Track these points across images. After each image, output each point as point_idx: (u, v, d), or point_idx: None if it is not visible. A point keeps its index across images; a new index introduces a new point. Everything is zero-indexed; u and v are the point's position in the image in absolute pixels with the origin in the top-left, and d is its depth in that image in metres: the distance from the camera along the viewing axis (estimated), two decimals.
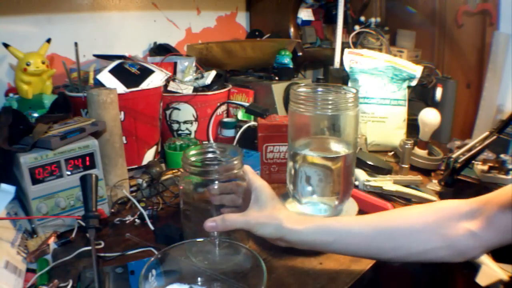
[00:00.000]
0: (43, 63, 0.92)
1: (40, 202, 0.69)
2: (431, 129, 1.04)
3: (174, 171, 0.95)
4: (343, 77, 1.23)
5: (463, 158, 0.88)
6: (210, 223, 0.59)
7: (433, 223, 0.54)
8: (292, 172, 0.73)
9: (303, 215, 0.65)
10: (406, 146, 0.97)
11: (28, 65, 0.90)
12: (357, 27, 1.45)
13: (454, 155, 0.91)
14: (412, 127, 1.16)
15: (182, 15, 1.38)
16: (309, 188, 0.72)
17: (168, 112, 1.09)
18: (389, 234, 0.55)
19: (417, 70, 1.16)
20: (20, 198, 0.74)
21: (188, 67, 1.13)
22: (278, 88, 1.14)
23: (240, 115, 1.13)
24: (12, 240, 0.63)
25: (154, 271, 0.49)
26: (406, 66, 1.16)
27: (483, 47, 1.33)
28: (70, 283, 0.58)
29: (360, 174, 0.92)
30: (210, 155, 0.69)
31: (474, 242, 0.52)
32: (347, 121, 0.69)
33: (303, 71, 1.61)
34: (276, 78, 1.21)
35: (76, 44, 0.93)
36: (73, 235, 0.71)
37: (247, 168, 0.65)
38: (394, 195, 0.86)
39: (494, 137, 0.86)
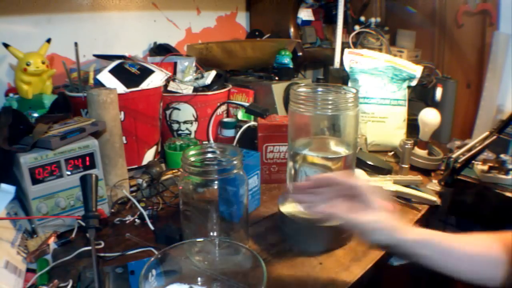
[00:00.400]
0: (43, 63, 0.92)
1: (40, 202, 0.69)
2: (431, 129, 1.04)
3: (174, 171, 0.95)
4: (343, 77, 1.23)
5: (463, 158, 0.88)
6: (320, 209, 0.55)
7: None
8: (292, 172, 0.73)
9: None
10: (406, 146, 0.97)
11: (28, 65, 0.90)
12: (357, 27, 1.45)
13: (454, 155, 0.91)
14: (412, 127, 1.16)
15: (182, 15, 1.38)
16: None
17: (168, 112, 1.09)
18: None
19: (417, 70, 1.16)
20: (20, 198, 0.74)
21: (188, 67, 1.13)
22: (278, 88, 1.14)
23: (240, 115, 1.13)
24: (12, 240, 0.63)
25: (154, 271, 0.49)
26: (406, 66, 1.16)
27: (483, 47, 1.33)
28: (70, 283, 0.58)
29: (360, 174, 0.92)
30: (210, 155, 0.69)
31: None
32: (347, 121, 0.69)
33: (303, 71, 1.60)
34: (276, 78, 1.21)
35: (76, 44, 0.93)
36: (73, 235, 0.71)
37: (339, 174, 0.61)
38: (394, 195, 0.86)
39: (494, 137, 0.86)
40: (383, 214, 0.54)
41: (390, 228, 0.53)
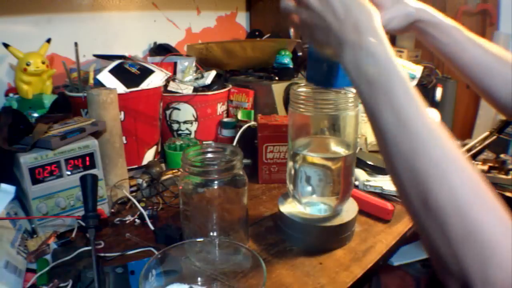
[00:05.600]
0: (43, 63, 0.92)
1: (40, 202, 0.69)
2: None
3: (174, 171, 0.95)
4: None
5: None
6: None
7: None
8: (292, 172, 0.73)
9: None
10: None
11: (28, 65, 0.90)
12: None
13: None
14: None
15: (182, 15, 1.38)
16: (309, 188, 0.72)
17: (168, 112, 1.09)
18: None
19: (417, 70, 1.16)
20: (20, 198, 0.74)
21: (188, 67, 1.13)
22: (278, 88, 1.14)
23: (240, 115, 1.13)
24: (12, 240, 0.63)
25: (154, 271, 0.49)
26: (406, 66, 1.16)
27: None
28: (70, 283, 0.58)
29: (360, 174, 0.92)
30: (210, 155, 0.69)
31: None
32: (347, 121, 0.69)
33: (303, 71, 1.60)
34: (276, 78, 1.21)
35: (76, 44, 0.93)
36: (73, 235, 0.71)
37: None
38: (394, 195, 0.86)
39: (494, 137, 0.87)
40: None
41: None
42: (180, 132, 1.11)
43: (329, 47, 0.46)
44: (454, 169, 0.36)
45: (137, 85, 0.95)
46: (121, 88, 0.91)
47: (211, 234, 0.66)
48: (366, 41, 0.41)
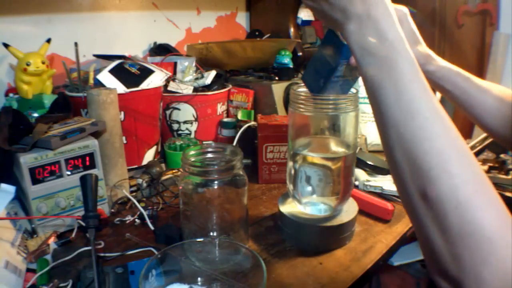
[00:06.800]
0: (43, 63, 0.92)
1: (40, 202, 0.69)
2: None
3: (174, 171, 0.95)
4: None
5: None
6: None
7: None
8: (292, 172, 0.73)
9: None
10: None
11: (28, 65, 0.90)
12: None
13: None
14: None
15: (182, 15, 1.38)
16: (309, 188, 0.72)
17: (168, 112, 1.09)
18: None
19: None
20: (20, 198, 0.74)
21: (188, 67, 1.13)
22: (278, 88, 1.14)
23: (240, 115, 1.13)
24: (12, 240, 0.63)
25: (154, 271, 0.49)
26: None
27: (483, 47, 1.33)
28: (70, 283, 0.58)
29: (360, 174, 0.92)
30: (210, 155, 0.69)
31: None
32: (347, 121, 0.69)
33: (303, 71, 1.61)
34: (276, 78, 1.21)
35: (76, 44, 0.93)
36: (73, 235, 0.70)
37: None
38: (394, 195, 0.86)
39: None
40: None
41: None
42: (180, 132, 1.11)
43: (333, 20, 0.43)
44: (457, 160, 0.34)
45: (137, 85, 0.95)
46: (121, 88, 0.91)
47: (211, 234, 0.66)
48: (374, 11, 0.39)
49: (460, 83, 0.65)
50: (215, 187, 0.64)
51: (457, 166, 0.33)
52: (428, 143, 0.34)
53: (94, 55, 1.11)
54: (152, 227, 0.75)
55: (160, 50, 1.26)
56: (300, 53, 1.40)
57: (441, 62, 0.67)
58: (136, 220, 0.78)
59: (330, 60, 0.56)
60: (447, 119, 0.36)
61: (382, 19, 0.39)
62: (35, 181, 0.68)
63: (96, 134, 0.79)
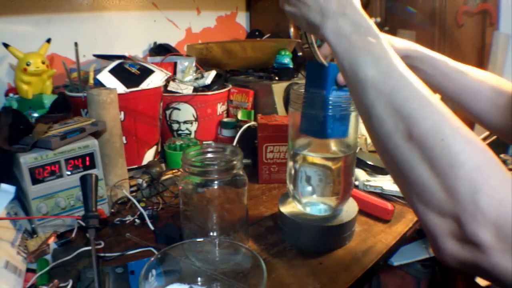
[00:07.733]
0: (43, 63, 0.92)
1: (40, 202, 0.69)
2: None
3: (174, 171, 0.95)
4: None
5: None
6: None
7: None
8: (292, 172, 0.73)
9: None
10: None
11: (28, 65, 0.90)
12: None
13: None
14: None
15: (182, 15, 1.38)
16: (309, 188, 0.72)
17: (168, 112, 1.09)
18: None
19: None
20: (20, 198, 0.74)
21: (188, 67, 1.13)
22: (278, 88, 1.14)
23: (240, 115, 1.13)
24: (12, 240, 0.63)
25: (154, 271, 0.49)
26: None
27: (483, 47, 1.33)
28: (70, 283, 0.58)
29: (360, 174, 0.92)
30: (210, 155, 0.69)
31: None
32: None
33: (303, 71, 1.61)
34: (276, 78, 1.21)
35: (76, 44, 0.93)
36: (73, 235, 0.71)
37: None
38: (394, 195, 0.86)
39: (494, 137, 0.86)
40: None
41: None
42: (180, 132, 1.11)
43: (311, 22, 0.48)
44: (435, 101, 0.37)
45: (137, 85, 0.95)
46: (121, 88, 0.91)
47: (211, 234, 0.66)
48: (349, 10, 0.45)
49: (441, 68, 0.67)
50: (215, 187, 0.64)
51: (436, 105, 0.37)
52: (407, 91, 0.38)
53: (94, 55, 1.11)
54: (152, 227, 0.75)
55: (160, 50, 1.26)
56: (300, 53, 1.40)
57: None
58: (136, 220, 0.78)
59: (321, 88, 0.62)
60: (416, 76, 0.40)
61: (357, 14, 0.44)
62: (35, 181, 0.68)
63: (96, 134, 0.79)
